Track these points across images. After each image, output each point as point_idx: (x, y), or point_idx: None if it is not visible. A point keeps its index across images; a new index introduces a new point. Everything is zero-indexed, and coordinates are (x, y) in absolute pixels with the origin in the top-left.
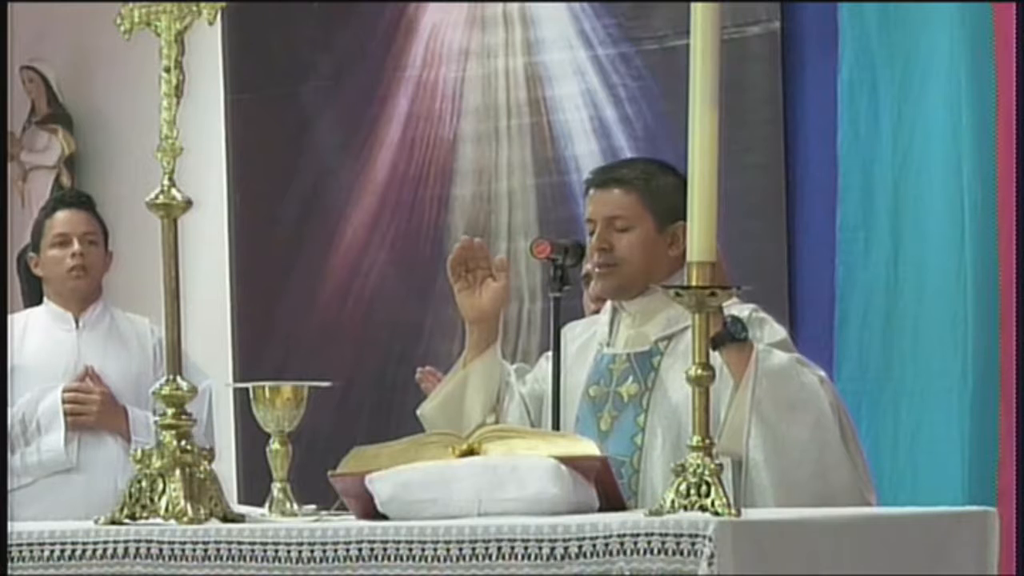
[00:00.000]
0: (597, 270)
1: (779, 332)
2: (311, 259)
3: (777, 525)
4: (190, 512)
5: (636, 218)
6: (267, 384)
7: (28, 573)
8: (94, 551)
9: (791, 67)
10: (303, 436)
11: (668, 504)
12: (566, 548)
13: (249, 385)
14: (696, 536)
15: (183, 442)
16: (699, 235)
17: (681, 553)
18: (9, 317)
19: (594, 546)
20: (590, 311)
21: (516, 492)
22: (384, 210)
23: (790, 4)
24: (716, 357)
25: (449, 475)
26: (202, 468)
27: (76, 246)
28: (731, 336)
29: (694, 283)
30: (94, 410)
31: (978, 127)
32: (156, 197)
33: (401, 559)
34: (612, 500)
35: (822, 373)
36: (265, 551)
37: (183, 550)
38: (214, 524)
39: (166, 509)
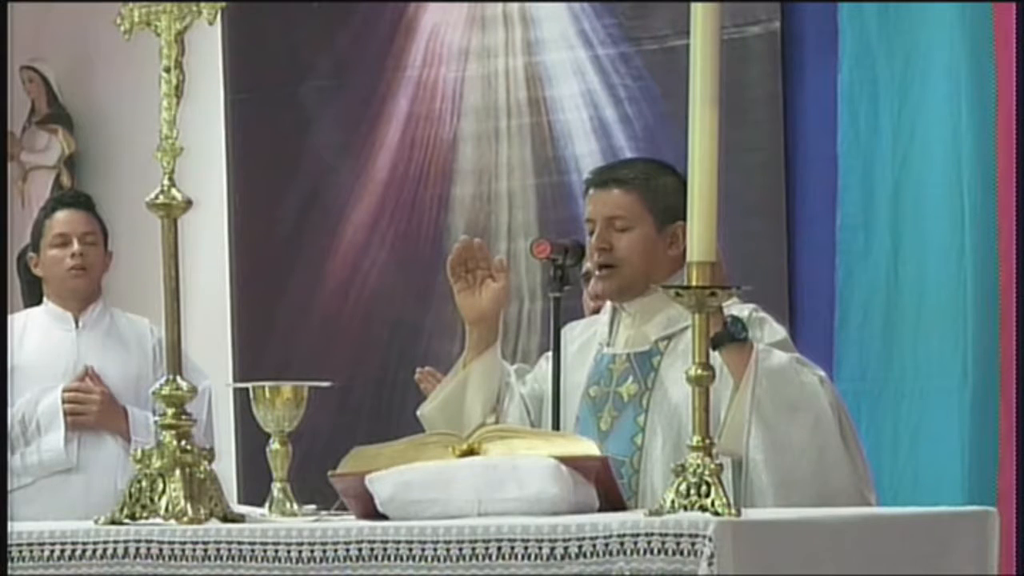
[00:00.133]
0: (597, 270)
1: (779, 332)
2: (311, 259)
3: (777, 525)
4: (190, 512)
5: (636, 218)
6: (267, 384)
7: (28, 573)
8: (94, 551)
9: (791, 67)
10: (303, 436)
11: (668, 504)
12: (566, 548)
13: (249, 385)
14: (696, 536)
15: (183, 442)
16: (699, 235)
17: (681, 553)
18: (9, 317)
19: (594, 546)
20: (589, 309)
21: (516, 492)
22: (384, 210)
23: (790, 4)
24: (716, 357)
25: (449, 475)
26: (202, 468)
27: (76, 246)
28: (731, 336)
29: (694, 283)
30: (94, 410)
31: (978, 127)
32: (156, 197)
33: (401, 559)
34: (612, 500)
35: (822, 373)
36: (265, 551)
37: (183, 550)
38: (214, 524)
39: (166, 509)
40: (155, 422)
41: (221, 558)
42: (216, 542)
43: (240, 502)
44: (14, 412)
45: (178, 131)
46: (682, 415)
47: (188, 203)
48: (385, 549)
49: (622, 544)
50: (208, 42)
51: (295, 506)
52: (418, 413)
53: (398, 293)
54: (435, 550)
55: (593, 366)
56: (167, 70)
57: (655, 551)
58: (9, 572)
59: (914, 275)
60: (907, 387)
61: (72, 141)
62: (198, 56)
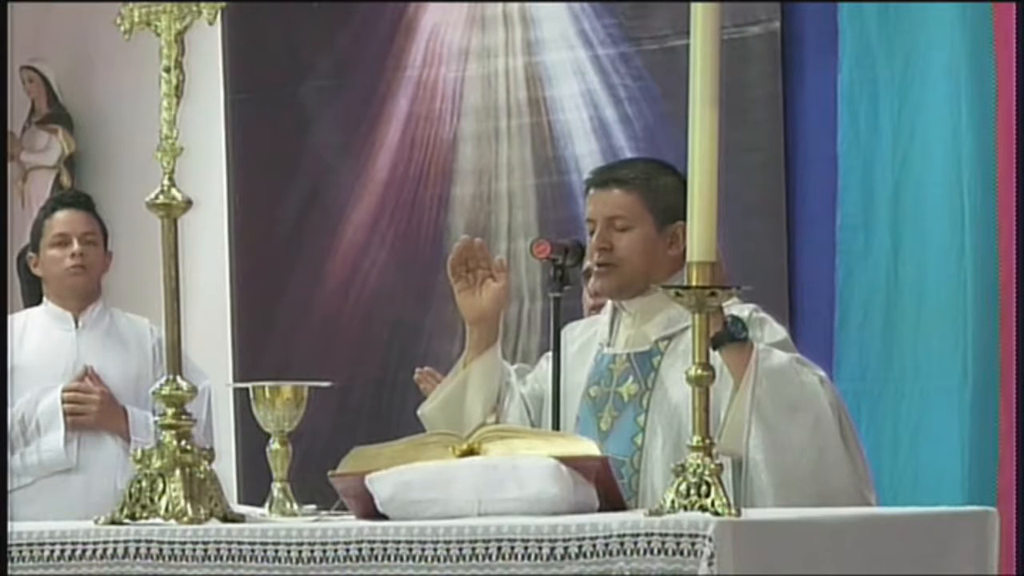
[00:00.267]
0: (597, 268)
1: (779, 332)
2: (311, 259)
3: (777, 525)
4: (190, 512)
5: (636, 218)
6: (267, 384)
7: (28, 573)
8: (94, 551)
9: (791, 67)
10: (303, 436)
11: (668, 504)
12: (566, 548)
13: (249, 385)
14: (696, 536)
15: (183, 442)
16: (699, 235)
17: (681, 553)
18: (9, 317)
19: (594, 546)
20: (588, 306)
21: (516, 492)
22: (384, 210)
23: (790, 4)
24: (716, 357)
25: (449, 475)
26: (202, 468)
27: (75, 246)
28: (731, 336)
29: (694, 283)
30: (93, 410)
31: (978, 127)
32: (156, 197)
33: (401, 559)
34: (612, 500)
35: (822, 373)
36: (265, 551)
37: (183, 550)
38: (214, 524)
39: (166, 509)
40: (155, 422)
41: (221, 558)
42: (216, 542)
43: (240, 502)
44: (14, 412)
45: (178, 131)
46: (682, 415)
47: (188, 203)
48: (385, 549)
49: (622, 544)
50: (208, 42)
51: (295, 506)
52: (418, 413)
53: (398, 293)
54: (435, 550)
55: (593, 366)
56: (167, 70)
57: (655, 551)
58: (9, 572)
59: (914, 275)
60: (907, 387)
61: (72, 141)
62: (198, 56)
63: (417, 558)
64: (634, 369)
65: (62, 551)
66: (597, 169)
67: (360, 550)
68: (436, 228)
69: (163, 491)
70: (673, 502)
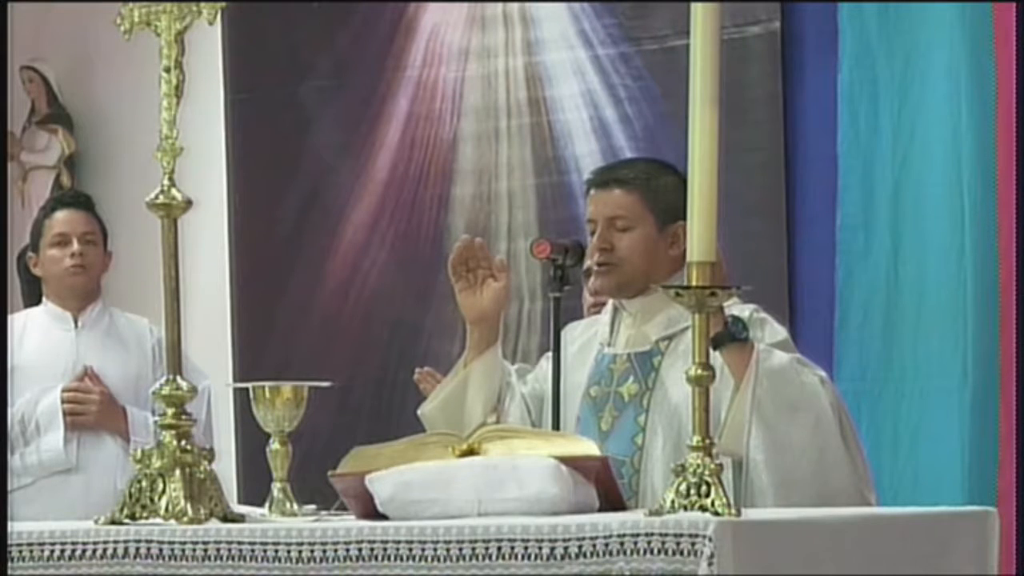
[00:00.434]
0: (597, 268)
1: (779, 332)
2: (311, 259)
3: (777, 525)
4: (190, 512)
5: (637, 218)
6: (267, 384)
7: (28, 573)
8: (94, 551)
9: (791, 67)
10: (303, 436)
11: (668, 504)
12: (566, 548)
13: (249, 385)
14: (696, 536)
15: (183, 442)
16: (699, 235)
17: (681, 553)
18: (9, 317)
19: (594, 546)
20: (588, 306)
21: (516, 492)
22: (384, 210)
23: (790, 4)
24: (716, 357)
25: (449, 475)
26: (202, 468)
27: (75, 246)
28: (732, 336)
29: (694, 283)
30: (93, 410)
31: (978, 127)
32: (156, 197)
33: (401, 559)
34: (612, 500)
35: (822, 373)
36: (265, 551)
37: (183, 550)
38: (214, 524)
39: (166, 509)
40: (155, 422)
41: (221, 558)
42: (216, 542)
43: (240, 502)
44: (14, 412)
45: (178, 131)
46: (682, 415)
47: (188, 203)
48: (385, 549)
49: (622, 544)
50: (208, 42)
51: (295, 506)
52: (418, 413)
53: (398, 293)
54: (435, 550)
55: (594, 366)
56: (167, 70)
57: (655, 551)
58: (9, 572)
59: (914, 275)
60: (907, 387)
61: (72, 141)
62: (198, 56)
63: (417, 558)
64: (634, 369)
65: (62, 551)
66: (598, 169)
67: (360, 550)
68: (436, 228)
69: (163, 491)
70: (673, 502)
